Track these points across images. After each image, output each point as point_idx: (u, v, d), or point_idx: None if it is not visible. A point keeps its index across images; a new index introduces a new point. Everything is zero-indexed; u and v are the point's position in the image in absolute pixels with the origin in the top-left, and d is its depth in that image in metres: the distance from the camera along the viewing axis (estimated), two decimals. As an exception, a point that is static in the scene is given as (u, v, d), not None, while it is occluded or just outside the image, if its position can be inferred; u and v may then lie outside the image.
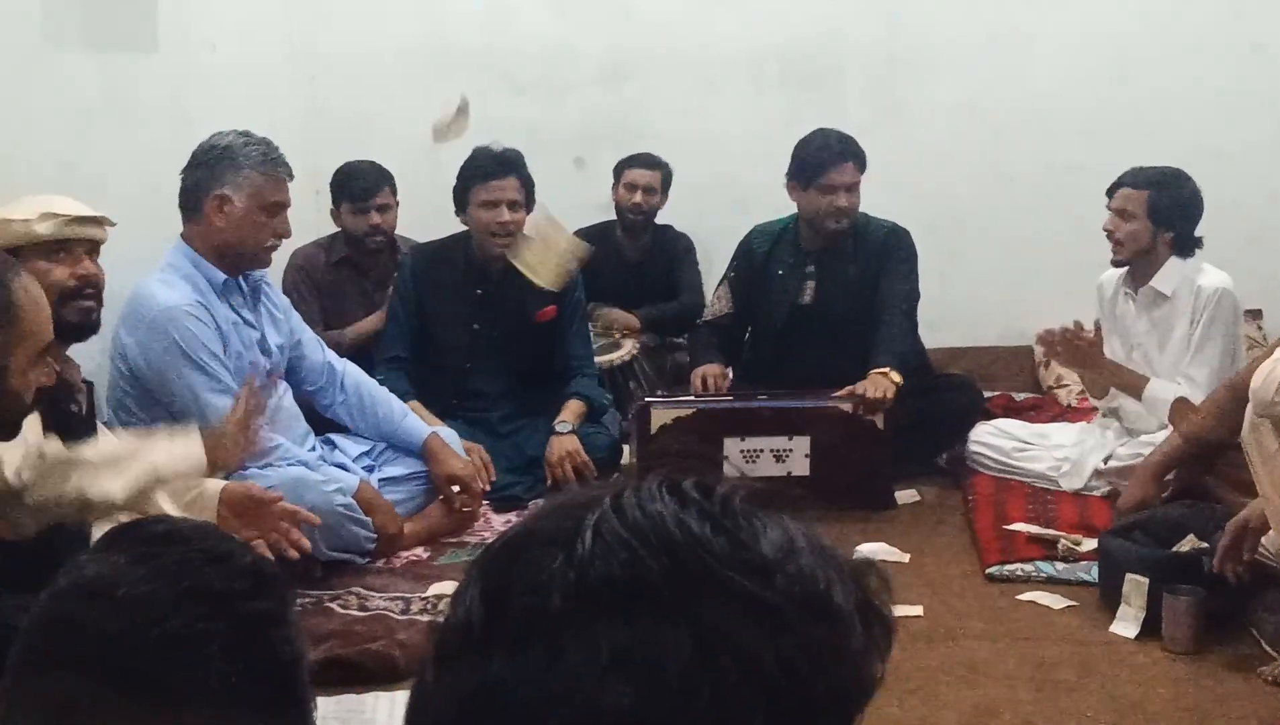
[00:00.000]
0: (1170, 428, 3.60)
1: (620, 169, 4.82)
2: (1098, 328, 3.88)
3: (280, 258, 3.84)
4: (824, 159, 4.03)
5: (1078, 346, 3.78)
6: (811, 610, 0.70)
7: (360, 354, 3.93)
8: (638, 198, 4.78)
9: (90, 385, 2.61)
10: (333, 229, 4.45)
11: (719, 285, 4.41)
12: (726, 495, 0.74)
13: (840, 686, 0.70)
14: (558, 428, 3.94)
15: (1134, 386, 3.77)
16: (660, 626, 0.67)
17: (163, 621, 1.04)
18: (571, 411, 4.01)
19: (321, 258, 4.39)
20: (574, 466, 3.85)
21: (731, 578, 0.69)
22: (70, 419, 2.39)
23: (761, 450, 3.78)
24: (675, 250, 4.91)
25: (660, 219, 4.90)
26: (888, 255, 4.12)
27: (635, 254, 4.86)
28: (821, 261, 4.17)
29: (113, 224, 2.75)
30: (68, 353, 2.68)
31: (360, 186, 4.30)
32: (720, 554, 0.70)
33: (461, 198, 3.96)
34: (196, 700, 1.03)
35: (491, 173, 3.90)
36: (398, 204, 4.40)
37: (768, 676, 0.67)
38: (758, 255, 4.26)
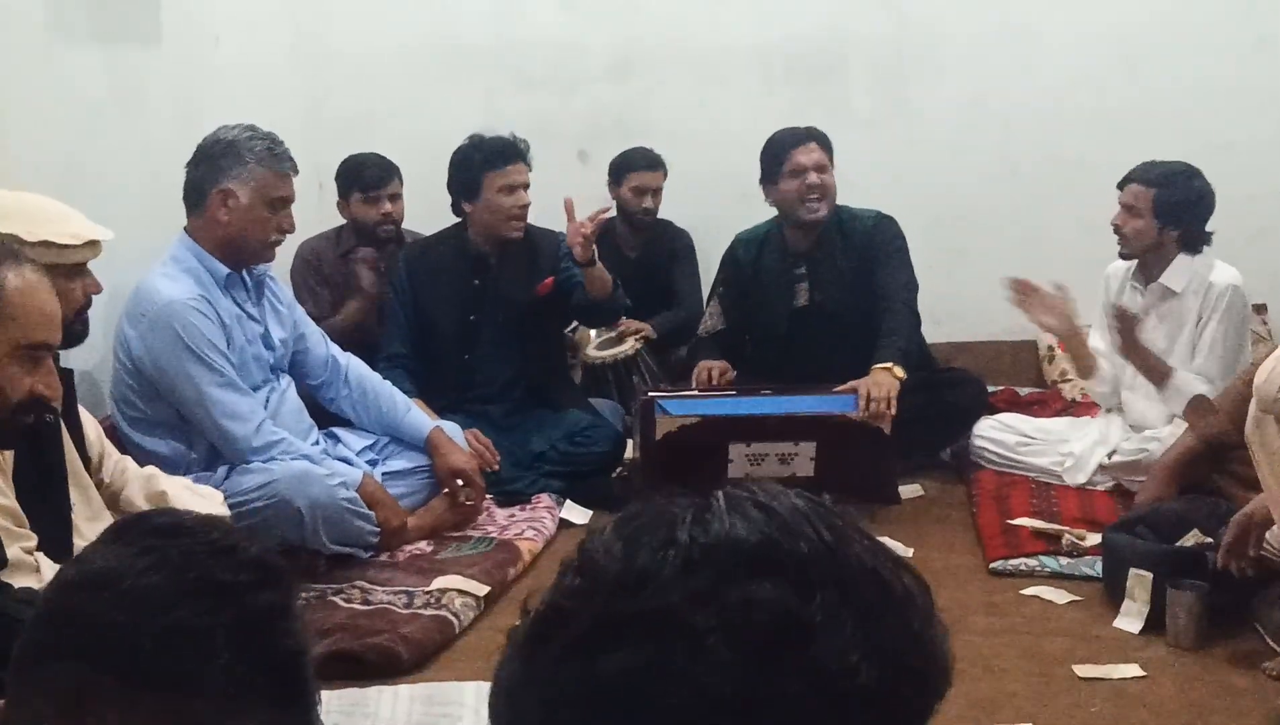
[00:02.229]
0: (1179, 423, 3.58)
1: (623, 171, 4.75)
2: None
3: (286, 251, 3.85)
4: (785, 143, 4.02)
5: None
6: (925, 600, 0.80)
7: (359, 346, 3.93)
8: (648, 202, 4.74)
9: (69, 372, 2.55)
10: (336, 223, 4.45)
11: (709, 300, 4.37)
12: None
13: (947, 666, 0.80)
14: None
15: (1160, 374, 3.68)
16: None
17: (167, 613, 1.04)
18: None
19: (329, 250, 4.39)
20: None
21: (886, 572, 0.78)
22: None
23: (766, 454, 3.75)
24: (674, 248, 4.87)
25: (662, 213, 4.87)
26: (877, 245, 4.06)
27: (635, 250, 4.84)
28: (811, 261, 4.11)
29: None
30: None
31: (371, 176, 4.32)
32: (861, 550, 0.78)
33: (471, 186, 3.95)
34: (201, 692, 1.03)
35: (509, 158, 3.93)
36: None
37: (909, 660, 0.76)
38: (745, 264, 4.22)
